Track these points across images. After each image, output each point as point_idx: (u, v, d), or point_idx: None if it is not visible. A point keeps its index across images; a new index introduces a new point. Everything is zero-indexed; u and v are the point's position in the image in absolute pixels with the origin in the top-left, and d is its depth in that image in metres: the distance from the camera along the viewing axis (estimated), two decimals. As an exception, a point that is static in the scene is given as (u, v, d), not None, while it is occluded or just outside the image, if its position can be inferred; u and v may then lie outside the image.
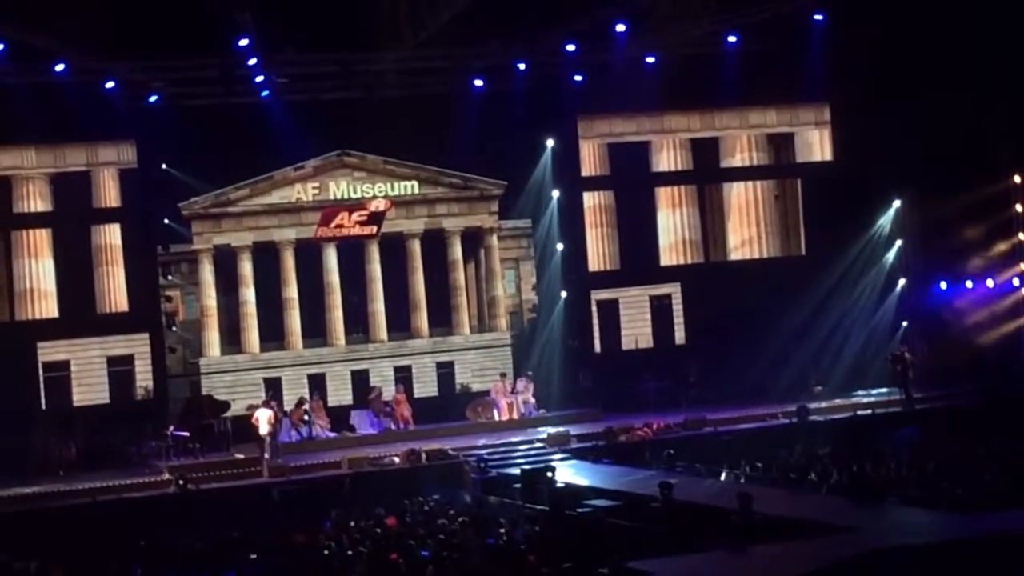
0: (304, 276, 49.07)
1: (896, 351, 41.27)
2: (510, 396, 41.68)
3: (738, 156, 47.01)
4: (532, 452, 35.98)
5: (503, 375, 43.57)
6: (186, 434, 37.92)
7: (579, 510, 26.70)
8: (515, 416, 41.22)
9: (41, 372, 41.80)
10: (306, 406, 40.20)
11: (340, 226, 46.57)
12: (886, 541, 20.28)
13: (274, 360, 48.58)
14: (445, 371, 49.47)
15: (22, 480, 35.47)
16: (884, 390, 41.55)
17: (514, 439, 37.57)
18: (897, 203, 45.48)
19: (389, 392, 43.23)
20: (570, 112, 44.12)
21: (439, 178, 49.35)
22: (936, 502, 23.41)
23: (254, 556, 23.62)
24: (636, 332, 45.63)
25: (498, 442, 37.16)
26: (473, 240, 50.83)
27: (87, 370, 42.96)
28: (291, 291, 48.88)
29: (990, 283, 44.76)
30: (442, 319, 50.46)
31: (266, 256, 48.84)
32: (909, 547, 19.68)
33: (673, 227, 46.86)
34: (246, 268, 48.66)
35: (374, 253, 49.03)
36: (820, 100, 46.13)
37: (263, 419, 36.37)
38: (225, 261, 48.89)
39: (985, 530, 20.41)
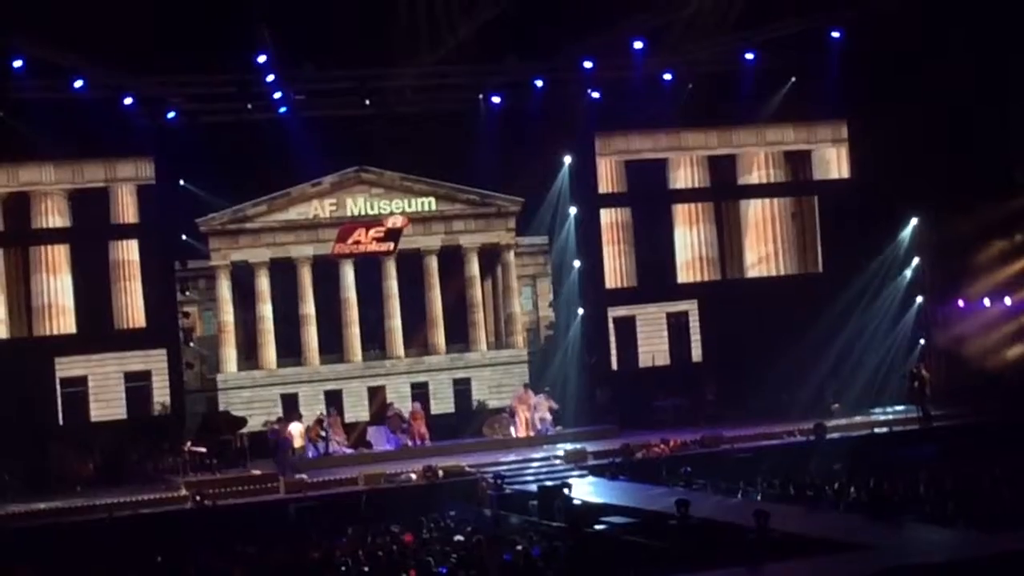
0: (321, 292, 49.15)
1: (913, 368, 41.22)
2: (532, 401, 41.47)
3: (755, 173, 47.00)
4: (549, 469, 35.96)
5: (526, 385, 43.45)
6: (203, 450, 37.96)
7: (596, 527, 26.65)
8: (531, 433, 41.17)
9: (59, 388, 41.83)
10: (324, 422, 40.29)
11: (357, 242, 46.71)
12: (903, 559, 20.24)
13: (291, 376, 48.65)
14: (462, 388, 49.47)
15: (39, 495, 35.52)
16: (901, 408, 41.43)
17: (531, 456, 37.56)
18: (914, 220, 45.35)
19: (406, 408, 43.26)
20: (587, 129, 44.09)
21: (456, 195, 49.42)
22: (953, 520, 23.35)
23: None
24: (653, 349, 45.59)
25: (515, 459, 37.13)
26: (490, 257, 50.87)
27: (104, 386, 43.00)
28: (308, 307, 48.97)
29: (1008, 301, 44.59)
30: (459, 336, 50.49)
31: (283, 272, 48.94)
32: (926, 565, 19.64)
33: (690, 244, 46.84)
34: (263, 284, 48.79)
35: (391, 269, 49.10)
36: (837, 117, 46.00)
37: (296, 433, 36.68)
38: (242, 277, 49.01)
39: (1002, 548, 20.33)
